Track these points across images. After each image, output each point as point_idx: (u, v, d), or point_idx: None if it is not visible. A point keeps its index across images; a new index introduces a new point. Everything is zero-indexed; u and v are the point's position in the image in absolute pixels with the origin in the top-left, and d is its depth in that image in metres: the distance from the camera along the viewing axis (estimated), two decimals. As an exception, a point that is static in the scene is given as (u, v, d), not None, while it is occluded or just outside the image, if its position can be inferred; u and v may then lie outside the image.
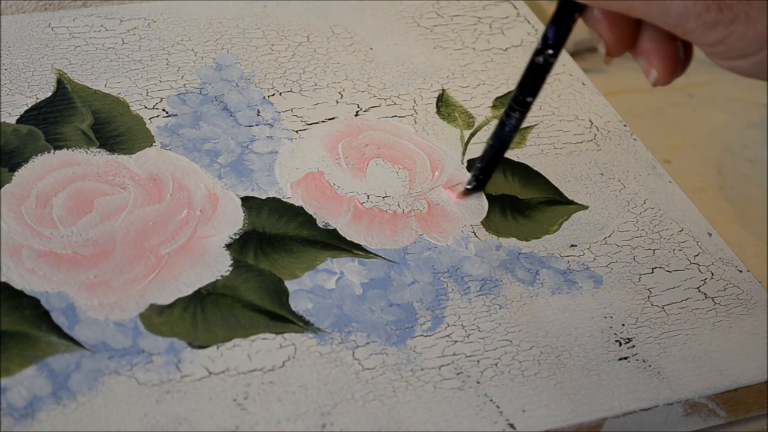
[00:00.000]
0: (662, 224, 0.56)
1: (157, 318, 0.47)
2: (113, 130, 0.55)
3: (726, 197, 0.66)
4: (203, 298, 0.48)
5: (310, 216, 0.53)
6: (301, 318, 0.48)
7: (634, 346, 0.50)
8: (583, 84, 0.63)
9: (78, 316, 0.46)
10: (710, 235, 0.56)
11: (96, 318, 0.46)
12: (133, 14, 0.62)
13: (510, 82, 0.62)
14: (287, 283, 0.49)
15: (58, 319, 0.46)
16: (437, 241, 0.53)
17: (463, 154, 0.57)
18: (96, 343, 0.46)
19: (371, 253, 0.51)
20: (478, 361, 0.48)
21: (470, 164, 0.57)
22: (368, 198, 0.54)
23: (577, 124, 0.61)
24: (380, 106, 0.59)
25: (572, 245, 0.54)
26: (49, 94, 0.56)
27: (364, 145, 0.57)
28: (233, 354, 0.46)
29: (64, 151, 0.53)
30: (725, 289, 0.53)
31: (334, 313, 0.49)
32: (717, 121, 0.72)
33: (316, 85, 0.60)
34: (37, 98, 0.55)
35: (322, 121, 0.58)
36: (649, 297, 0.52)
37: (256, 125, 0.57)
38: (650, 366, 0.49)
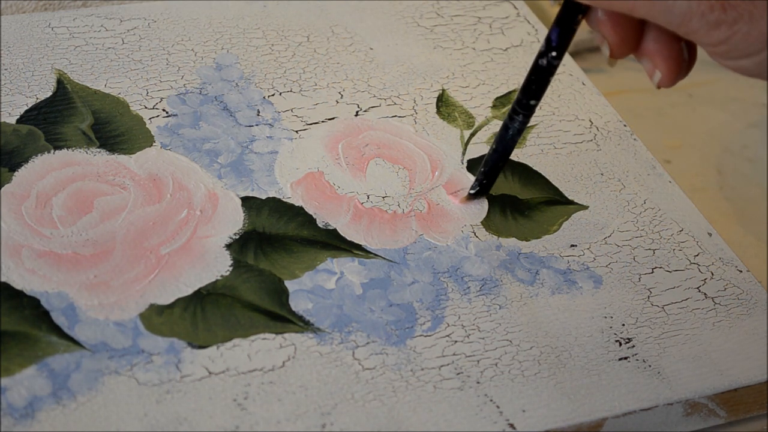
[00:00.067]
0: (662, 224, 0.56)
1: (157, 318, 0.47)
2: (113, 130, 0.55)
3: (726, 197, 0.66)
4: (203, 298, 0.48)
5: (310, 216, 0.53)
6: (301, 318, 0.48)
7: (634, 346, 0.50)
8: (583, 84, 0.63)
9: (78, 316, 0.46)
10: (710, 235, 0.56)
11: (96, 318, 0.46)
12: (133, 14, 0.62)
13: (510, 82, 0.62)
14: (287, 283, 0.49)
15: (58, 319, 0.46)
16: (437, 241, 0.53)
17: (463, 154, 0.57)
18: (96, 343, 0.46)
19: (371, 253, 0.51)
20: (478, 361, 0.48)
21: (470, 164, 0.57)
22: (368, 198, 0.54)
23: (577, 124, 0.61)
24: (380, 106, 0.59)
25: (572, 245, 0.54)
26: (49, 94, 0.56)
27: (364, 145, 0.57)
28: (233, 354, 0.46)
29: (64, 151, 0.53)
30: (725, 289, 0.53)
31: (334, 313, 0.49)
32: (717, 121, 0.72)
33: (316, 85, 0.60)
34: (37, 98, 0.55)
35: (322, 121, 0.58)
36: (649, 297, 0.52)
37: (256, 125, 0.57)
38: (650, 366, 0.49)
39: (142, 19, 0.61)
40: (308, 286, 0.49)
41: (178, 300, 0.48)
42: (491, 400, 0.47)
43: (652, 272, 0.53)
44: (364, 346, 0.48)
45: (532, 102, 0.49)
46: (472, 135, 0.59)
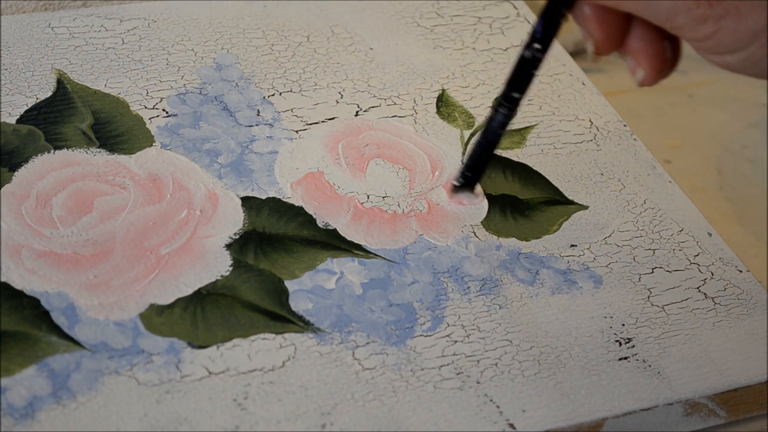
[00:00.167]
0: (662, 224, 0.56)
1: (157, 318, 0.47)
2: (113, 130, 0.55)
3: (726, 197, 0.66)
4: (203, 298, 0.48)
5: (310, 216, 0.53)
6: (301, 318, 0.48)
7: (634, 346, 0.50)
8: (583, 84, 0.63)
9: (78, 316, 0.46)
10: (710, 235, 0.56)
11: (96, 318, 0.46)
12: (133, 14, 0.62)
13: (510, 82, 0.62)
14: (287, 283, 0.49)
15: (58, 319, 0.46)
16: (437, 241, 0.53)
17: (463, 154, 0.57)
18: (96, 343, 0.46)
19: (371, 253, 0.51)
20: (478, 361, 0.48)
21: (469, 163, 0.57)
22: (368, 198, 0.54)
23: (577, 124, 0.61)
24: (380, 106, 0.59)
25: (572, 245, 0.54)
26: (49, 94, 0.56)
27: (364, 145, 0.57)
28: (233, 354, 0.46)
29: (64, 151, 0.53)
30: (725, 289, 0.53)
31: (334, 313, 0.49)
32: (717, 121, 0.72)
33: (316, 85, 0.60)
34: (37, 98, 0.55)
35: (322, 121, 0.58)
36: (649, 297, 0.52)
37: (256, 125, 0.57)
38: (650, 366, 0.49)
39: (142, 19, 0.61)
40: (308, 286, 0.49)
41: (178, 300, 0.48)
42: (491, 400, 0.47)
43: (652, 272, 0.53)
44: (364, 346, 0.48)
45: (515, 94, 0.49)
46: (472, 135, 0.59)
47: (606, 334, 0.50)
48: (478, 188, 0.55)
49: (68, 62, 0.58)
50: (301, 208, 0.53)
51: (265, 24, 0.63)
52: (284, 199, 0.53)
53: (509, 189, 0.56)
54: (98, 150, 0.54)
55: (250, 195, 0.53)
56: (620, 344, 0.50)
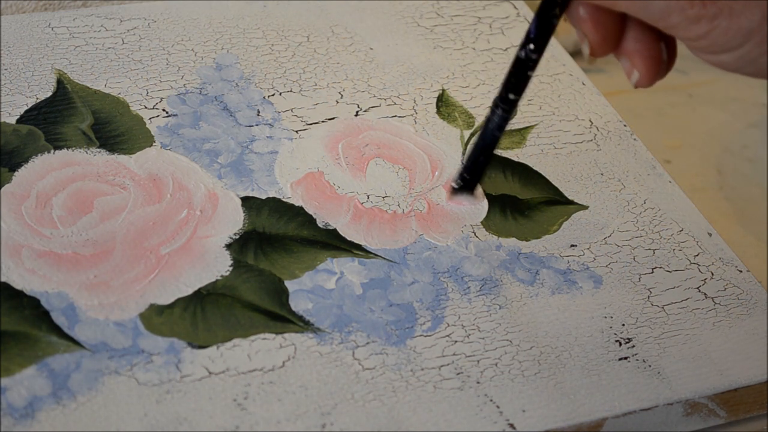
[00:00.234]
0: (662, 224, 0.56)
1: (157, 318, 0.47)
2: (113, 130, 0.55)
3: (726, 197, 0.66)
4: (203, 298, 0.48)
5: (310, 216, 0.53)
6: (301, 318, 0.48)
7: (634, 346, 0.50)
8: (583, 84, 0.63)
9: (78, 316, 0.46)
10: (710, 235, 0.56)
11: (96, 318, 0.46)
12: (133, 14, 0.62)
13: (510, 82, 0.62)
14: (287, 283, 0.49)
15: (58, 319, 0.46)
16: (437, 241, 0.53)
17: (463, 154, 0.57)
18: (96, 343, 0.46)
19: (371, 253, 0.51)
20: (478, 361, 0.48)
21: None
22: (368, 198, 0.54)
23: (577, 124, 0.61)
24: (380, 106, 0.59)
25: (572, 245, 0.54)
26: (49, 94, 0.56)
27: (364, 145, 0.57)
28: (233, 354, 0.46)
29: (64, 151, 0.53)
30: (725, 289, 0.53)
31: (334, 313, 0.49)
32: (717, 121, 0.72)
33: (316, 85, 0.60)
34: (37, 98, 0.56)
35: (322, 121, 0.58)
36: (649, 297, 0.52)
37: (256, 125, 0.57)
38: (650, 366, 0.49)
39: (142, 19, 0.61)
40: (308, 286, 0.49)
41: (178, 300, 0.48)
42: (491, 400, 0.47)
43: (652, 272, 0.53)
44: (364, 346, 0.48)
45: (511, 96, 0.49)
46: (472, 135, 0.59)
47: (606, 334, 0.50)
48: (478, 189, 0.55)
49: (68, 62, 0.58)
50: (301, 208, 0.53)
51: (265, 24, 0.63)
52: (284, 199, 0.53)
53: (509, 189, 0.56)
54: (98, 150, 0.54)
55: (250, 195, 0.53)
56: (620, 344, 0.50)
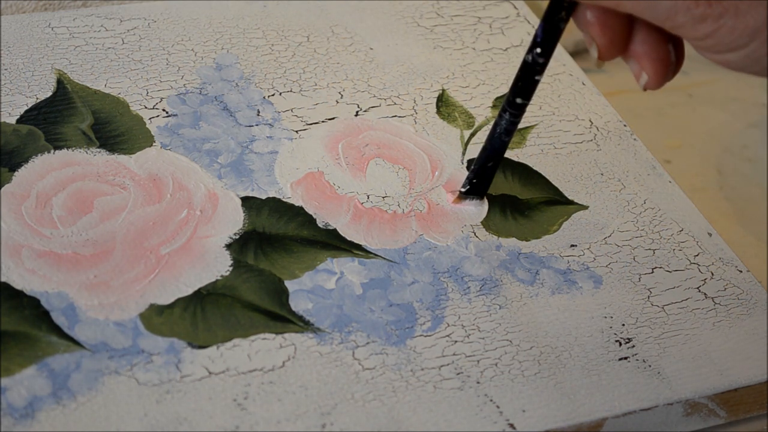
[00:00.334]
0: (662, 224, 0.56)
1: (157, 318, 0.47)
2: (113, 130, 0.55)
3: (726, 197, 0.66)
4: (203, 298, 0.48)
5: (310, 216, 0.53)
6: (301, 318, 0.48)
7: (634, 346, 0.50)
8: (583, 84, 0.63)
9: (78, 316, 0.46)
10: (710, 235, 0.56)
11: (96, 318, 0.46)
12: (133, 14, 0.62)
13: (510, 82, 0.62)
14: (287, 283, 0.49)
15: (58, 319, 0.46)
16: (437, 241, 0.53)
17: (463, 154, 0.57)
18: (96, 343, 0.46)
19: (371, 253, 0.51)
20: (478, 361, 0.48)
21: (470, 164, 0.57)
22: (368, 198, 0.54)
23: (577, 124, 0.61)
24: (380, 106, 0.59)
25: (572, 245, 0.54)
26: (49, 94, 0.56)
27: (364, 145, 0.57)
28: (233, 354, 0.46)
29: (64, 151, 0.53)
30: (725, 289, 0.53)
31: (334, 313, 0.49)
32: (717, 121, 0.72)
33: (316, 85, 0.60)
34: (37, 98, 0.56)
35: (322, 121, 0.58)
36: (649, 297, 0.52)
37: (256, 125, 0.57)
38: (650, 366, 0.49)
39: (142, 19, 0.61)
40: (308, 286, 0.49)
41: (178, 300, 0.48)
42: (491, 400, 0.47)
43: (652, 272, 0.53)
44: (364, 346, 0.48)
45: (519, 100, 0.49)
46: (472, 135, 0.59)
47: (606, 334, 0.50)
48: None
49: (68, 62, 0.58)
50: (301, 208, 0.53)
51: (265, 24, 0.63)
52: (284, 199, 0.53)
53: (509, 189, 0.56)
54: (98, 150, 0.54)
55: (250, 195, 0.53)
56: (620, 344, 0.50)
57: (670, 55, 0.45)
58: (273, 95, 0.58)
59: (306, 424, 0.44)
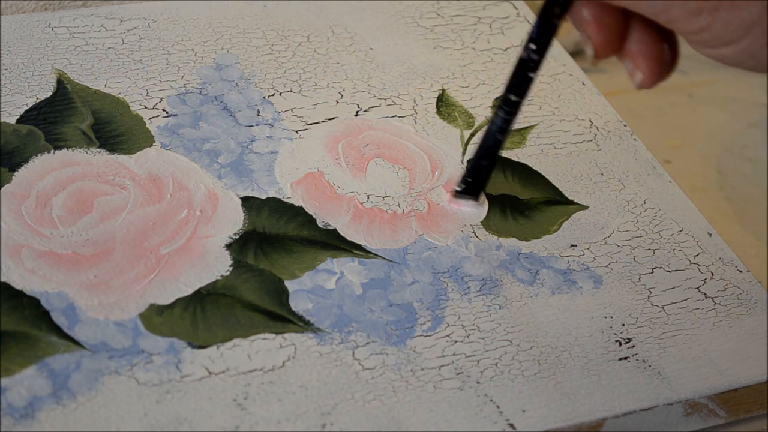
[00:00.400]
0: (662, 224, 0.56)
1: (157, 318, 0.47)
2: (113, 130, 0.55)
3: (726, 197, 0.66)
4: (203, 298, 0.48)
5: (310, 216, 0.53)
6: (301, 318, 0.48)
7: (634, 346, 0.50)
8: (583, 84, 0.63)
9: (78, 316, 0.46)
10: (710, 235, 0.56)
11: (96, 318, 0.46)
12: (133, 14, 0.62)
13: (510, 82, 0.62)
14: (287, 283, 0.49)
15: (58, 319, 0.46)
16: (437, 241, 0.53)
17: (463, 154, 0.57)
18: (96, 343, 0.46)
19: (371, 253, 0.51)
20: (478, 361, 0.48)
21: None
22: (368, 198, 0.54)
23: (577, 124, 0.61)
24: (380, 106, 0.59)
25: (572, 245, 0.54)
26: (49, 94, 0.56)
27: (364, 145, 0.57)
28: (233, 354, 0.46)
29: (64, 151, 0.53)
30: (725, 289, 0.53)
31: (334, 313, 0.49)
32: (717, 121, 0.72)
33: (316, 85, 0.60)
34: (37, 98, 0.56)
35: (322, 121, 0.58)
36: (649, 297, 0.52)
37: (256, 125, 0.57)
38: (650, 366, 0.49)
39: (142, 19, 0.61)
40: (308, 286, 0.49)
41: (178, 300, 0.48)
42: (491, 400, 0.47)
43: (652, 272, 0.53)
44: (364, 346, 0.48)
45: (513, 98, 0.49)
46: (472, 135, 0.59)
47: (606, 334, 0.50)
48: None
49: (68, 62, 0.58)
50: (301, 208, 0.53)
51: (265, 24, 0.63)
52: (284, 199, 0.53)
53: (509, 189, 0.56)
54: (98, 150, 0.54)
55: (250, 195, 0.53)
56: (620, 344, 0.50)
57: (664, 53, 0.45)
58: (273, 95, 0.58)
59: (306, 424, 0.44)
